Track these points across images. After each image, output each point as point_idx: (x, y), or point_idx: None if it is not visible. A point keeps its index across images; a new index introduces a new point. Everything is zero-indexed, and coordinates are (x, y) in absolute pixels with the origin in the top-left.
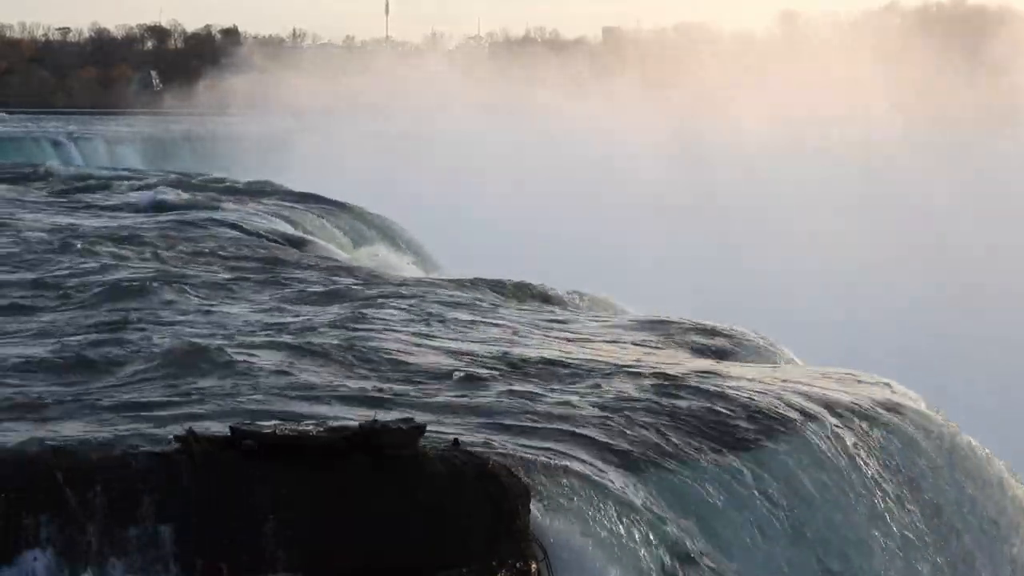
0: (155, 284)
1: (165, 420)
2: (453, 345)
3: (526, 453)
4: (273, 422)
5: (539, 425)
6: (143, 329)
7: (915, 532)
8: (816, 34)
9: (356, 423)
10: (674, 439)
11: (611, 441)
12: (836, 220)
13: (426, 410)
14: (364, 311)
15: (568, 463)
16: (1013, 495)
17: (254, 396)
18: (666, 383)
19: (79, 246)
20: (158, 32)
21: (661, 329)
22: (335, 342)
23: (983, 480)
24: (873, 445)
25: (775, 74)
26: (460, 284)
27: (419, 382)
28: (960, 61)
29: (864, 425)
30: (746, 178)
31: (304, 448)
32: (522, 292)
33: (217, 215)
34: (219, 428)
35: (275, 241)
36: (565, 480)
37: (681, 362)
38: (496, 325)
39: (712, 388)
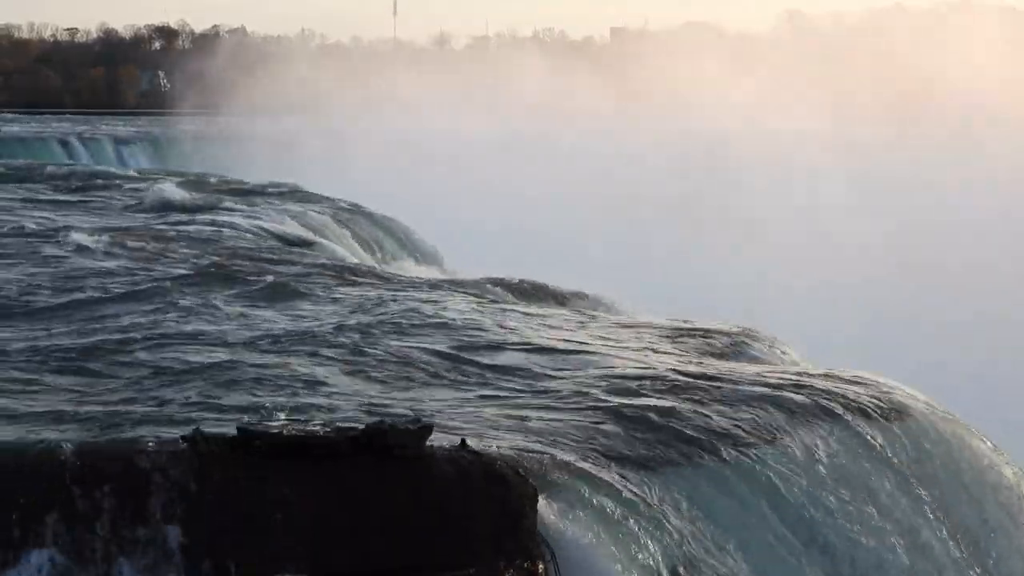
0: (162, 285)
1: (172, 420)
2: (462, 345)
3: (534, 453)
4: (280, 422)
5: (548, 425)
6: (150, 330)
7: (928, 533)
8: (822, 33)
9: (363, 423)
10: (684, 439)
11: (620, 441)
12: (844, 222)
13: (434, 410)
14: (369, 312)
15: (577, 463)
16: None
17: (261, 396)
18: (676, 383)
19: (85, 247)
20: (166, 32)
21: (669, 329)
22: (344, 342)
23: (990, 481)
24: (881, 445)
25: (783, 73)
26: (470, 284)
27: (426, 382)
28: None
29: (871, 424)
30: (751, 178)
31: (311, 448)
32: (534, 292)
33: (224, 216)
34: (227, 428)
35: (283, 242)
36: (573, 480)
37: (690, 362)
38: (506, 325)
39: (722, 388)
